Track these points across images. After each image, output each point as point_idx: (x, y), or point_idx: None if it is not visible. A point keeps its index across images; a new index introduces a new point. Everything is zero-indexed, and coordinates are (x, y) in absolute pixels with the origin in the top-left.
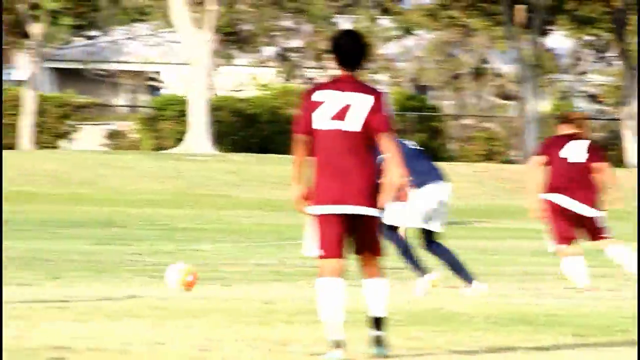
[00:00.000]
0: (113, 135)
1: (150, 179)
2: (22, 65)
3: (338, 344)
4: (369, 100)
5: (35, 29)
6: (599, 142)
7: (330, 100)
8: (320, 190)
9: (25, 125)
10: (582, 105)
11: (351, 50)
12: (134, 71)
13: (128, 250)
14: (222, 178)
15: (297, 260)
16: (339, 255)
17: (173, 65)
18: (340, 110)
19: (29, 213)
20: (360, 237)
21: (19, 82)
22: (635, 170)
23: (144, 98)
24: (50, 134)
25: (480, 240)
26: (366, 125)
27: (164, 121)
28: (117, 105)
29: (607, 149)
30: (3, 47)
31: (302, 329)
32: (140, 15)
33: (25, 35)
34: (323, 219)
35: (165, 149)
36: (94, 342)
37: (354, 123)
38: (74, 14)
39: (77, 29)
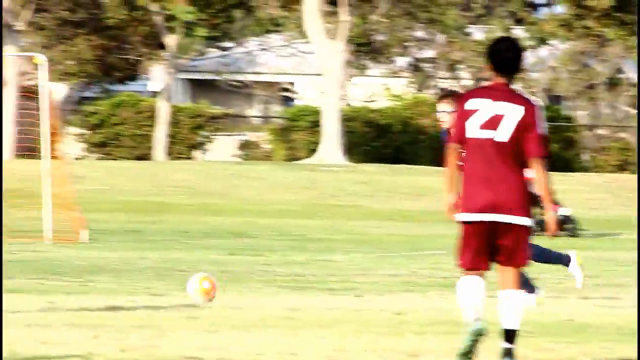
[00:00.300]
0: (246, 145)
1: (283, 190)
2: (157, 77)
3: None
4: (520, 111)
5: (170, 40)
6: None
7: (482, 109)
8: (468, 198)
9: (159, 136)
10: None
11: (508, 57)
12: (268, 82)
13: (259, 261)
14: (353, 189)
15: (428, 270)
16: (481, 268)
17: (306, 75)
18: (491, 120)
19: (162, 223)
20: (506, 247)
21: (154, 94)
22: None
23: (276, 109)
24: (183, 144)
25: (615, 252)
26: (515, 138)
27: (297, 132)
28: (250, 116)
29: None
30: (140, 58)
31: (433, 339)
32: (274, 26)
33: (161, 47)
34: (468, 227)
35: (298, 159)
36: (223, 352)
37: (504, 134)
38: (208, 26)
39: (211, 40)
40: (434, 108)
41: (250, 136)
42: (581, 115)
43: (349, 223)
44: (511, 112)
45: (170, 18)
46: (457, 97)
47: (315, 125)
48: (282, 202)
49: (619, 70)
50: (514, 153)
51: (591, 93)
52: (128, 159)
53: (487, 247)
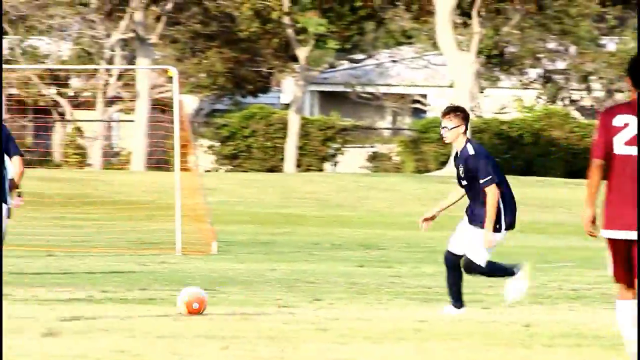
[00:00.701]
0: (375, 157)
1: (413, 202)
2: (288, 89)
3: None
4: None
5: (301, 52)
6: None
7: (628, 125)
8: (611, 215)
9: (290, 148)
10: None
11: None
12: (398, 94)
13: (389, 273)
14: None
15: (558, 283)
16: (628, 281)
17: (437, 87)
18: (634, 136)
19: (291, 235)
20: None
21: (285, 106)
22: None
23: (407, 121)
24: (313, 156)
25: None
26: None
27: (427, 144)
28: (379, 128)
29: None
30: (271, 70)
31: (562, 352)
32: (405, 38)
33: (292, 59)
34: (613, 244)
35: (428, 171)
36: None
37: None
38: (339, 38)
39: (342, 53)
40: (566, 120)
41: (380, 148)
42: None
43: None
44: None
45: (301, 31)
46: (601, 114)
47: None
48: (412, 214)
49: None
50: None
51: None
52: (258, 171)
53: (629, 263)
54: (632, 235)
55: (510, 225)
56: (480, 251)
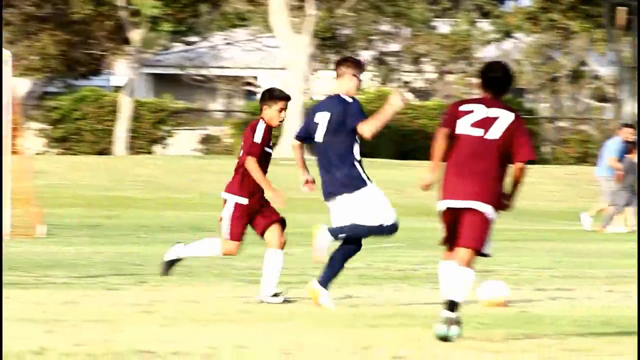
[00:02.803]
0: (207, 140)
1: None
2: (121, 72)
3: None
4: (511, 116)
5: (135, 35)
6: None
7: (474, 111)
8: (446, 187)
9: (121, 130)
10: None
11: (497, 77)
12: (232, 76)
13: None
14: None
15: (384, 264)
16: (452, 245)
17: (271, 70)
18: (479, 120)
19: (120, 218)
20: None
21: (117, 88)
22: None
23: (239, 103)
24: (145, 139)
25: (570, 243)
26: (504, 138)
27: None
28: (211, 110)
29: None
30: (104, 53)
31: (387, 332)
32: (240, 20)
33: (125, 42)
34: (445, 212)
35: None
36: (178, 346)
37: (495, 133)
38: (173, 20)
39: (176, 35)
40: None
41: (213, 130)
42: (543, 108)
43: (303, 216)
44: (503, 116)
45: (135, 13)
46: (450, 104)
47: None
48: None
49: (583, 63)
50: (500, 151)
51: (554, 85)
52: (89, 154)
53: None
54: (460, 204)
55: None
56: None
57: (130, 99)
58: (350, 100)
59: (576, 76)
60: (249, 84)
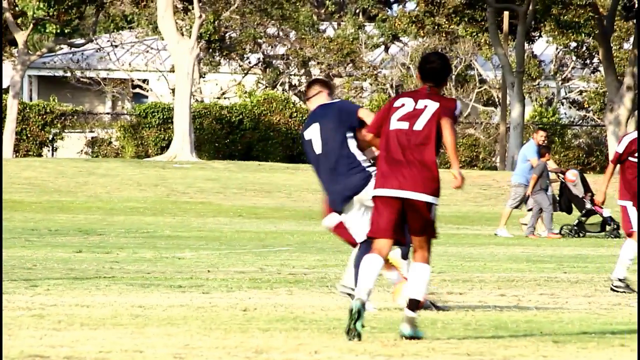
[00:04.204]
0: (95, 142)
1: (132, 187)
2: (6, 73)
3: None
4: (435, 105)
5: (20, 36)
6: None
7: (404, 105)
8: (380, 177)
9: (7, 133)
10: (566, 112)
11: (433, 68)
12: (119, 79)
13: (107, 258)
14: (203, 185)
15: (276, 267)
16: (387, 234)
17: (158, 72)
18: (406, 114)
19: (9, 221)
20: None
21: (4, 90)
22: None
23: (127, 106)
24: (32, 142)
25: (461, 247)
26: (429, 126)
27: (147, 129)
28: (100, 113)
29: (591, 155)
30: None
31: (279, 336)
32: (126, 23)
33: (10, 43)
34: (379, 200)
35: (149, 156)
36: (71, 350)
37: (420, 124)
38: (59, 22)
39: (62, 37)
40: (285, 105)
41: (100, 133)
42: None
43: (198, 220)
44: (429, 106)
45: (20, 14)
46: (390, 99)
47: (166, 122)
48: (132, 199)
49: (469, 67)
50: (427, 140)
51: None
52: None
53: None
54: (396, 193)
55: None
56: None
57: (16, 101)
58: (336, 100)
59: (463, 80)
60: (138, 86)
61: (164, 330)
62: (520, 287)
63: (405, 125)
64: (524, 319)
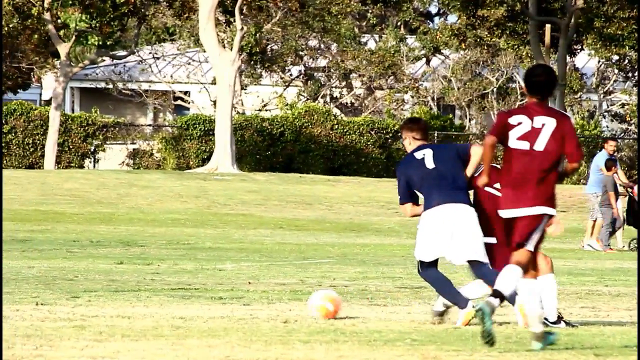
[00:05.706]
0: (136, 154)
1: (173, 199)
2: (49, 85)
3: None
4: (553, 122)
5: (62, 48)
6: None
7: (522, 124)
8: (507, 195)
9: (50, 145)
10: (608, 125)
11: (540, 81)
12: (161, 91)
13: (148, 270)
14: (244, 197)
15: (317, 279)
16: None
17: (200, 84)
18: (528, 133)
19: (51, 232)
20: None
21: (46, 102)
22: None
23: (168, 117)
24: (74, 153)
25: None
26: (552, 146)
27: (189, 140)
28: (141, 125)
29: (633, 168)
30: (31, 66)
31: (321, 348)
32: (168, 35)
33: (53, 55)
34: (508, 221)
35: (190, 168)
36: None
37: (541, 144)
38: (101, 34)
39: (104, 49)
40: (327, 117)
41: (142, 145)
42: (472, 124)
43: (239, 232)
44: (547, 124)
45: (63, 26)
46: (499, 113)
47: (207, 134)
48: (173, 211)
49: (510, 79)
50: (550, 160)
51: (482, 102)
52: (17, 167)
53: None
54: (527, 211)
55: None
56: None
57: (58, 113)
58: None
59: (504, 92)
60: (179, 98)
61: (205, 341)
62: (562, 300)
63: (524, 145)
64: (565, 332)
